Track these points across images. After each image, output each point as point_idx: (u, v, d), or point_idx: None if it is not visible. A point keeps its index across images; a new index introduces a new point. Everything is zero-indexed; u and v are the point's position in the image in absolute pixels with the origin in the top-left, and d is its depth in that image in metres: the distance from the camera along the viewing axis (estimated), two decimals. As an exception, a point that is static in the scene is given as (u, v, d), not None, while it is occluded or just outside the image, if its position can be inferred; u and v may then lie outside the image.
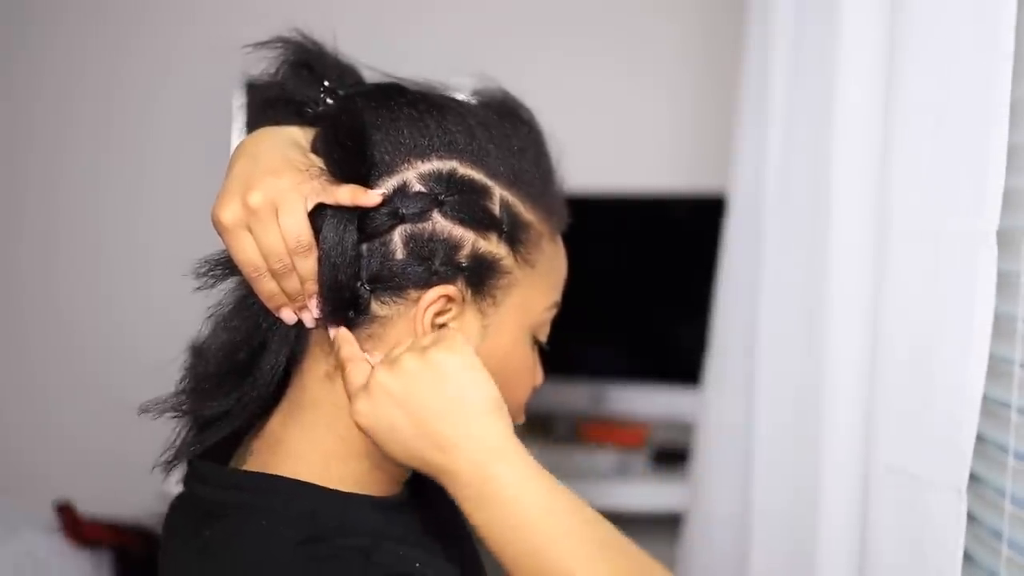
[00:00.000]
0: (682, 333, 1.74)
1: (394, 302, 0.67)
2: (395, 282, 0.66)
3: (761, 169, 1.27)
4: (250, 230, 0.65)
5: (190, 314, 0.73)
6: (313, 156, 0.67)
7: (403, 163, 0.66)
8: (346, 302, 0.66)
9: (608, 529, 0.64)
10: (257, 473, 0.68)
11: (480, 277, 0.67)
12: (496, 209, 0.68)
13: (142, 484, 1.26)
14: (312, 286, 0.66)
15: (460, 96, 0.73)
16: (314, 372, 0.69)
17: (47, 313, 2.02)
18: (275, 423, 0.71)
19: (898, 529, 0.90)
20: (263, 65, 0.72)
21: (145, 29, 1.99)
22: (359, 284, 0.66)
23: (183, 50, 1.96)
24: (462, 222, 0.66)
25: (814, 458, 1.06)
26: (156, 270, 1.91)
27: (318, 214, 0.65)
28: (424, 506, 0.73)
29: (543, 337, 0.75)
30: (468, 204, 0.66)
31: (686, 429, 1.67)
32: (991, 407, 0.93)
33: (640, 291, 1.85)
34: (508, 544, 0.61)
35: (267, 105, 0.72)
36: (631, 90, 1.93)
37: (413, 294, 0.66)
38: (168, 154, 1.98)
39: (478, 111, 0.70)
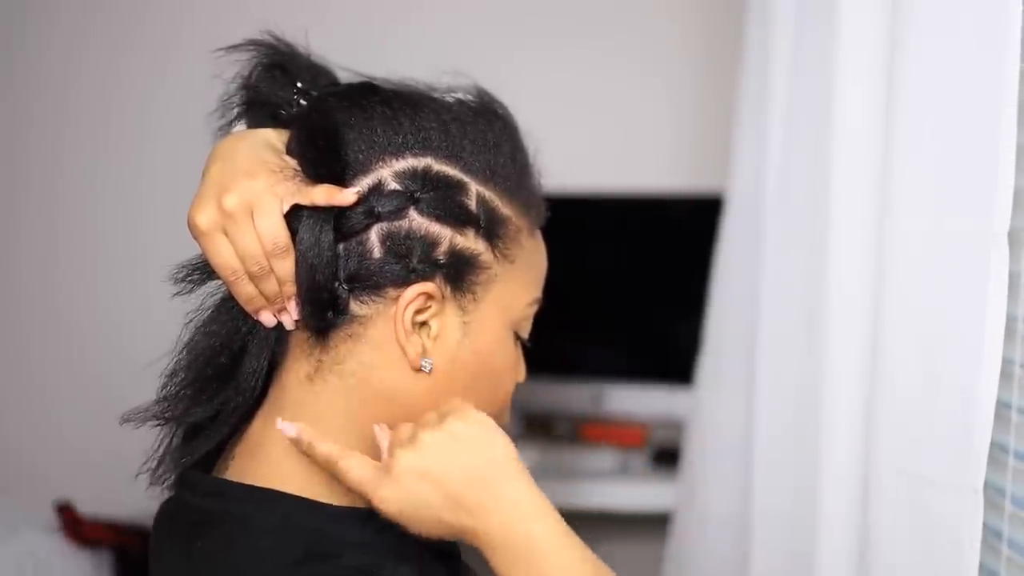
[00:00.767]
0: (682, 333, 1.74)
1: (373, 301, 0.66)
2: (373, 281, 0.66)
3: (760, 169, 1.27)
4: (226, 233, 0.65)
5: (190, 314, 0.73)
6: (288, 158, 0.67)
7: (377, 161, 0.66)
8: (325, 303, 0.66)
9: None
10: (245, 484, 0.67)
11: (459, 273, 0.67)
12: (473, 205, 0.68)
13: (142, 484, 1.26)
14: (291, 288, 0.66)
15: (434, 93, 0.72)
16: (295, 373, 0.69)
17: (47, 313, 2.02)
18: (256, 427, 0.70)
19: (909, 531, 0.89)
20: (240, 67, 0.71)
21: (144, 29, 1.99)
22: (337, 284, 0.66)
23: (182, 50, 1.96)
24: (438, 219, 0.66)
25: (814, 458, 1.06)
26: (156, 270, 1.90)
27: (294, 215, 0.65)
28: None
29: (525, 333, 0.74)
30: (444, 200, 0.66)
31: (684, 429, 1.67)
32: (991, 407, 0.93)
33: (640, 291, 1.85)
34: None
35: (242, 107, 0.72)
36: (631, 90, 1.93)
37: (392, 292, 0.66)
38: (167, 154, 1.98)
39: (452, 107, 0.70)
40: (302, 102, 0.70)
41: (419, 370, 0.68)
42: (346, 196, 0.64)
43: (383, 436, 0.66)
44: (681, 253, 1.81)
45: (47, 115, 2.00)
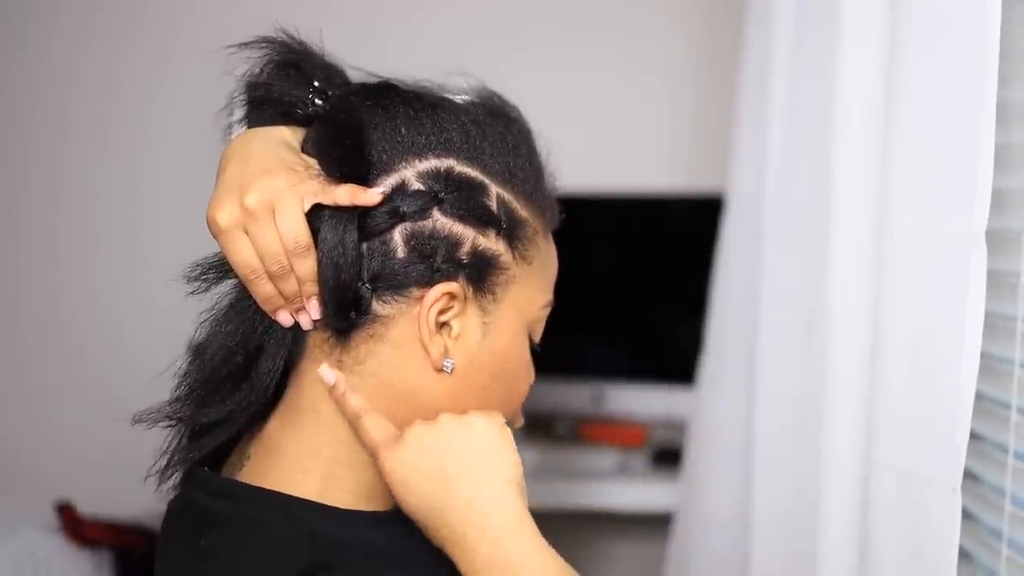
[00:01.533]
0: (682, 333, 1.74)
1: (396, 301, 0.66)
2: (397, 281, 0.66)
3: (761, 169, 1.27)
4: (246, 232, 0.65)
5: (190, 315, 0.72)
6: (305, 156, 0.67)
7: (401, 161, 0.66)
8: (348, 303, 0.65)
9: None
10: (256, 487, 0.67)
11: (481, 274, 0.67)
12: (494, 206, 0.68)
13: (142, 484, 1.26)
14: (310, 288, 0.66)
15: (449, 95, 0.72)
16: (312, 375, 0.69)
17: (47, 314, 2.02)
18: (273, 428, 0.70)
19: (899, 529, 0.90)
20: (251, 65, 0.71)
21: (144, 29, 1.99)
22: (361, 284, 0.65)
23: (182, 50, 1.96)
24: (462, 219, 0.66)
25: (815, 458, 1.06)
26: (156, 271, 1.90)
27: (315, 215, 0.64)
28: None
29: (537, 336, 0.75)
30: (467, 201, 0.66)
31: (686, 429, 1.67)
32: (991, 407, 0.93)
33: (640, 291, 1.85)
34: None
35: (253, 106, 0.72)
36: (631, 90, 1.93)
37: (415, 292, 0.66)
38: (167, 154, 1.98)
39: (470, 110, 0.70)
40: (317, 101, 0.70)
41: (441, 370, 0.68)
42: (371, 196, 0.64)
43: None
44: (681, 253, 1.81)
45: (47, 115, 2.00)
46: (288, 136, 0.68)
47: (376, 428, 0.66)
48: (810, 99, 1.12)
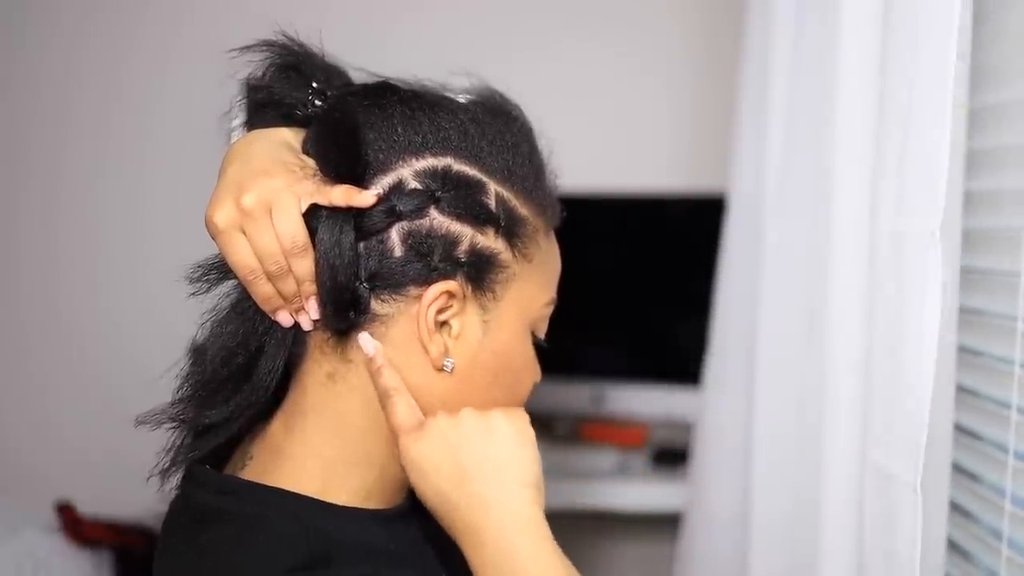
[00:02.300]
0: (682, 333, 1.74)
1: (394, 300, 0.66)
2: (395, 280, 0.66)
3: (761, 169, 1.27)
4: (244, 232, 0.65)
5: (190, 315, 0.72)
6: (305, 157, 0.67)
7: (398, 161, 0.66)
8: (346, 302, 0.65)
9: None
10: (256, 483, 0.67)
11: (480, 272, 0.67)
12: (492, 204, 0.68)
13: (142, 484, 1.26)
14: (309, 287, 0.66)
15: (450, 94, 0.73)
16: (314, 375, 0.69)
17: (47, 314, 2.02)
18: (276, 428, 0.70)
19: (879, 528, 0.90)
20: (254, 67, 0.71)
21: (144, 29, 1.98)
22: (358, 283, 0.65)
23: (182, 50, 1.96)
24: (459, 217, 0.66)
25: (815, 458, 1.06)
26: (156, 271, 1.91)
27: (313, 215, 0.64)
28: (426, 515, 0.73)
29: (541, 334, 0.74)
30: (464, 199, 0.66)
31: (686, 429, 1.67)
32: (991, 407, 0.93)
33: (640, 291, 1.85)
34: None
35: (256, 109, 0.72)
36: (631, 90, 1.93)
37: (413, 291, 0.66)
38: (168, 155, 1.98)
39: (469, 108, 0.70)
40: (317, 102, 0.70)
41: (441, 369, 0.68)
42: (365, 198, 0.64)
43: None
44: (681, 253, 1.81)
45: (47, 115, 2.00)
46: (289, 137, 0.69)
47: (404, 410, 0.66)
48: (810, 99, 1.12)
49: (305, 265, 0.65)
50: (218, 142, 0.72)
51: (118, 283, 2.01)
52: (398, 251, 0.66)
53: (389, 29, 1.91)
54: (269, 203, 0.64)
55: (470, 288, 0.67)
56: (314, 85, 0.71)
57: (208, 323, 0.69)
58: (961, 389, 0.95)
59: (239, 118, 0.72)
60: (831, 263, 1.03)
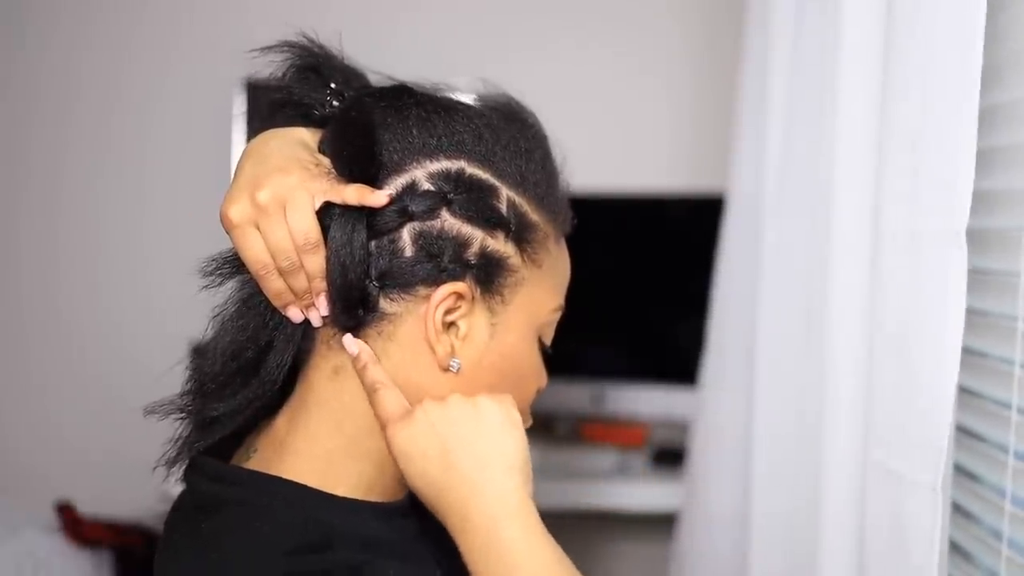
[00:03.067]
0: (682, 333, 1.74)
1: (403, 299, 0.67)
2: (404, 279, 0.66)
3: (760, 169, 1.27)
4: (258, 228, 0.65)
5: (189, 314, 0.73)
6: (321, 156, 0.68)
7: (412, 162, 0.67)
8: (355, 300, 0.66)
9: None
10: (258, 473, 0.68)
11: (489, 275, 0.68)
12: (504, 209, 0.68)
13: (142, 484, 1.26)
14: (320, 284, 0.66)
15: (465, 99, 0.73)
16: (321, 370, 0.70)
17: (47, 313, 2.02)
18: (281, 422, 0.71)
19: (887, 529, 0.90)
20: (265, 67, 0.72)
21: (145, 30, 1.99)
22: (368, 282, 0.66)
23: (183, 51, 1.96)
24: (470, 220, 0.67)
25: (815, 458, 1.06)
26: (156, 270, 1.91)
27: (326, 213, 0.65)
28: (425, 512, 0.74)
29: (548, 340, 0.75)
30: (476, 203, 0.67)
31: (686, 429, 1.67)
32: (991, 407, 0.93)
33: (640, 291, 1.85)
34: None
35: (274, 109, 0.72)
36: (631, 90, 1.93)
37: (422, 291, 0.67)
38: (168, 155, 1.98)
39: (484, 113, 0.71)
40: (334, 103, 0.71)
41: (447, 370, 0.68)
42: (378, 197, 0.65)
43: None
44: (681, 253, 1.81)
45: (48, 116, 2.00)
46: (306, 136, 0.69)
47: (390, 402, 0.66)
48: (810, 98, 1.12)
49: (317, 262, 0.66)
50: (218, 142, 0.73)
51: (118, 283, 2.01)
52: (409, 251, 0.66)
53: (388, 30, 1.91)
54: (283, 200, 0.65)
55: (479, 290, 0.68)
56: (332, 86, 0.71)
57: (218, 317, 0.70)
58: (961, 389, 0.95)
59: (245, 119, 0.73)
60: (831, 263, 1.03)
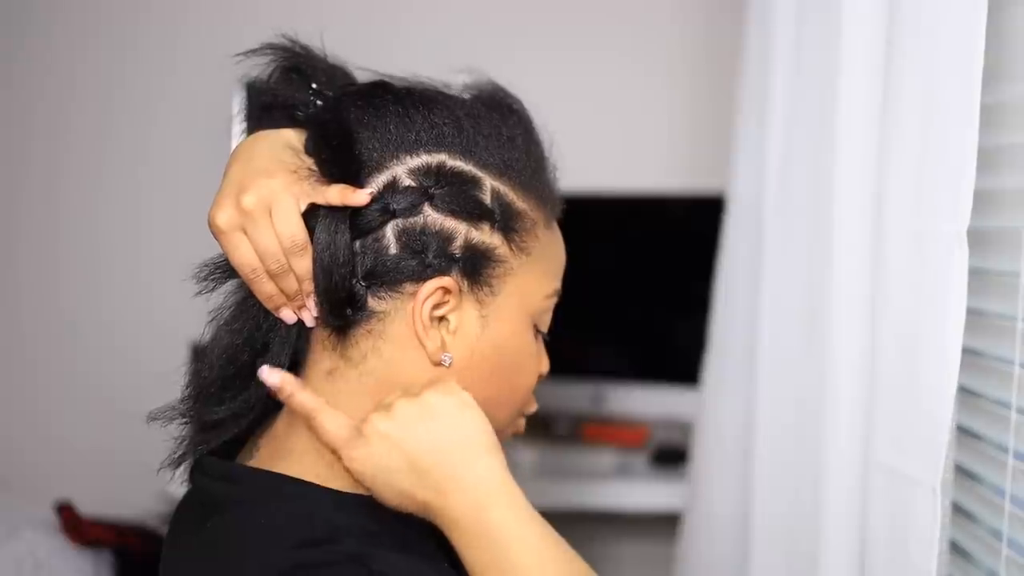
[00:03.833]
0: (682, 333, 1.74)
1: (391, 297, 0.67)
2: (390, 277, 0.67)
3: (761, 169, 1.27)
4: (245, 232, 0.66)
5: (189, 315, 0.73)
6: (305, 157, 0.68)
7: (392, 159, 0.67)
8: (342, 300, 0.66)
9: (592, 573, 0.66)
10: (261, 470, 0.69)
11: (475, 267, 0.68)
12: (487, 199, 0.68)
13: (142, 484, 1.26)
14: (309, 285, 0.67)
15: (449, 90, 0.73)
16: (315, 371, 0.70)
17: (47, 313, 2.02)
18: (281, 424, 0.72)
19: (888, 528, 0.90)
20: (258, 68, 0.72)
21: (145, 31, 1.98)
22: (355, 281, 0.66)
23: (183, 52, 1.96)
24: (453, 214, 0.67)
25: (815, 458, 1.06)
26: (156, 271, 1.91)
27: (312, 214, 0.66)
28: None
29: (544, 326, 0.75)
30: (458, 196, 0.67)
31: (686, 429, 1.67)
32: (991, 407, 0.93)
33: (640, 291, 1.85)
34: None
35: (262, 111, 0.73)
36: (631, 90, 1.93)
37: (409, 288, 0.67)
38: (167, 155, 1.98)
39: (466, 103, 0.71)
40: (318, 103, 0.71)
41: (439, 364, 0.68)
42: (359, 196, 0.65)
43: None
44: (681, 253, 1.81)
45: (48, 117, 2.00)
46: (292, 138, 0.70)
47: (332, 425, 0.66)
48: (810, 99, 1.12)
49: (305, 263, 0.66)
50: (218, 143, 0.73)
51: (118, 282, 2.01)
52: (393, 248, 0.66)
53: (387, 30, 1.91)
54: (269, 203, 0.65)
55: (466, 283, 0.68)
56: (313, 86, 0.72)
57: (214, 322, 0.71)
58: (961, 389, 0.94)
59: (242, 120, 0.73)
60: (832, 263, 1.02)
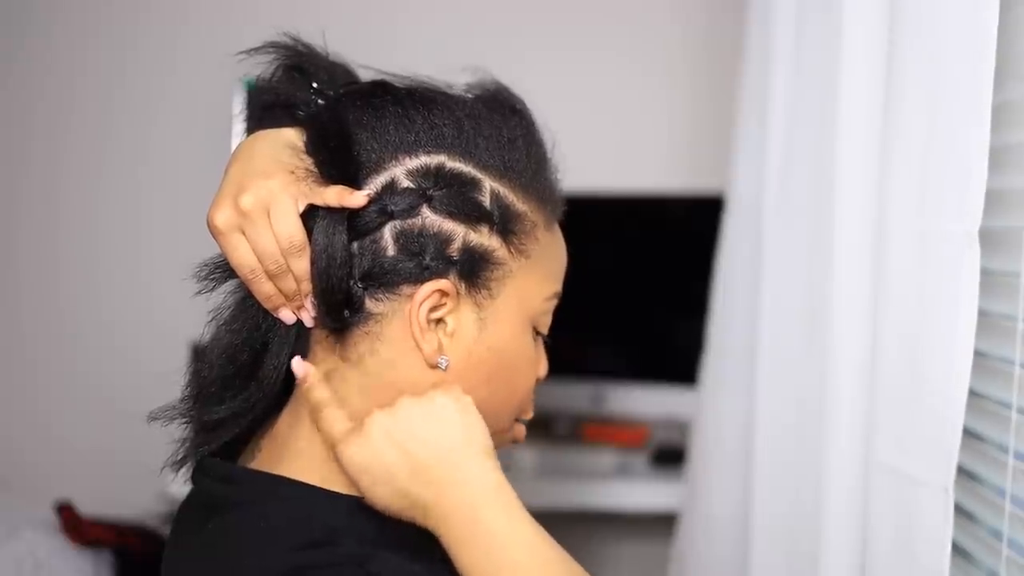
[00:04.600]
0: (682, 333, 1.74)
1: (388, 299, 0.67)
2: (387, 279, 0.66)
3: (761, 169, 1.27)
4: (243, 233, 0.66)
5: (189, 315, 0.73)
6: (305, 157, 0.68)
7: (391, 160, 0.67)
8: (340, 302, 0.66)
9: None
10: (261, 472, 0.69)
11: (473, 270, 0.68)
12: (486, 201, 0.68)
13: (142, 484, 1.26)
14: (307, 285, 0.67)
15: (450, 90, 0.73)
16: (317, 371, 0.70)
17: (47, 313, 2.02)
18: (282, 423, 0.72)
19: (894, 529, 0.90)
20: (260, 67, 0.72)
21: (145, 31, 1.99)
22: (352, 283, 0.66)
23: (183, 52, 1.96)
24: (451, 215, 0.66)
25: (815, 459, 1.06)
26: (156, 271, 1.91)
27: (310, 215, 0.65)
28: None
29: (544, 328, 0.75)
30: (457, 197, 0.67)
31: (686, 429, 1.67)
32: (991, 407, 0.93)
33: (640, 291, 1.85)
34: None
35: (263, 110, 0.73)
36: (631, 90, 1.93)
37: (406, 290, 0.67)
38: (168, 156, 1.98)
39: (467, 103, 0.71)
40: (320, 102, 0.71)
41: (436, 367, 0.68)
42: (356, 198, 0.65)
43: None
44: (681, 253, 1.81)
45: (49, 117, 2.00)
46: (293, 138, 0.69)
47: (332, 419, 0.66)
48: (810, 99, 1.12)
49: (303, 264, 0.66)
50: (218, 143, 0.72)
51: (118, 282, 2.01)
52: (391, 250, 0.66)
53: (387, 30, 1.91)
54: (267, 203, 0.65)
55: (464, 286, 0.68)
56: (314, 85, 0.71)
57: (213, 322, 0.71)
58: (962, 389, 0.95)
59: (243, 120, 0.73)
60: (832, 263, 1.02)
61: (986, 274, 0.92)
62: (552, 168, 0.74)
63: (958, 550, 0.96)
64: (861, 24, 0.98)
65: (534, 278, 0.71)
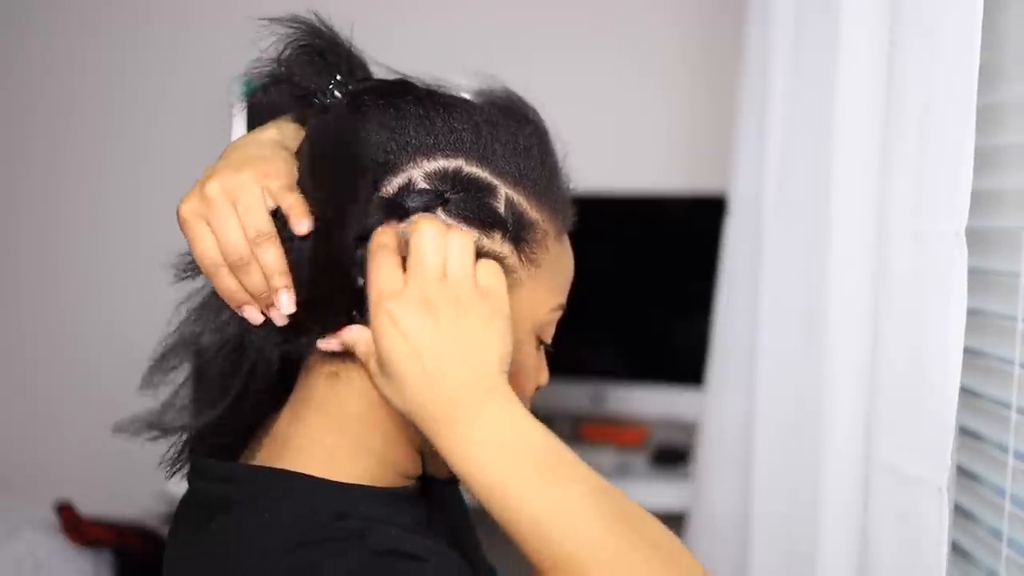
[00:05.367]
0: (682, 333, 1.74)
1: None
2: None
3: (761, 169, 1.27)
4: (208, 223, 0.64)
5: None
6: (288, 154, 0.67)
7: (409, 161, 0.66)
8: (347, 304, 0.65)
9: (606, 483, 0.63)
10: (260, 467, 0.68)
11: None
12: (501, 208, 0.67)
13: (142, 484, 1.26)
14: (279, 280, 0.65)
15: (466, 95, 0.72)
16: (318, 373, 0.69)
17: (47, 313, 2.02)
18: (283, 421, 0.71)
19: (892, 528, 0.90)
20: (267, 56, 0.70)
21: (145, 31, 1.99)
22: (360, 284, 0.65)
23: (183, 52, 1.96)
24: (466, 220, 0.66)
25: (815, 459, 1.06)
26: (156, 270, 1.91)
27: (318, 212, 0.64)
28: (435, 507, 0.73)
29: (548, 338, 0.74)
30: (472, 202, 0.66)
31: (686, 429, 1.67)
32: (991, 407, 0.93)
33: (640, 291, 1.85)
34: (503, 484, 0.59)
35: (269, 83, 0.71)
36: (631, 90, 1.93)
37: None
38: (168, 156, 1.98)
39: (484, 110, 0.70)
40: (337, 93, 0.69)
41: None
42: (300, 225, 0.63)
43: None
44: (681, 253, 1.81)
45: (49, 117, 2.00)
46: (286, 139, 0.68)
47: (386, 271, 0.62)
48: (810, 99, 1.12)
49: (272, 256, 0.64)
50: (218, 143, 0.72)
51: (118, 282, 2.00)
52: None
53: (387, 30, 1.91)
54: (233, 192, 0.64)
55: None
56: (338, 77, 0.70)
57: (203, 319, 0.69)
58: (962, 389, 0.94)
59: (243, 118, 0.72)
60: (832, 263, 1.03)
61: (986, 274, 0.92)
62: (564, 178, 0.74)
63: (958, 550, 0.97)
64: (859, 25, 0.98)
65: (542, 288, 0.70)
